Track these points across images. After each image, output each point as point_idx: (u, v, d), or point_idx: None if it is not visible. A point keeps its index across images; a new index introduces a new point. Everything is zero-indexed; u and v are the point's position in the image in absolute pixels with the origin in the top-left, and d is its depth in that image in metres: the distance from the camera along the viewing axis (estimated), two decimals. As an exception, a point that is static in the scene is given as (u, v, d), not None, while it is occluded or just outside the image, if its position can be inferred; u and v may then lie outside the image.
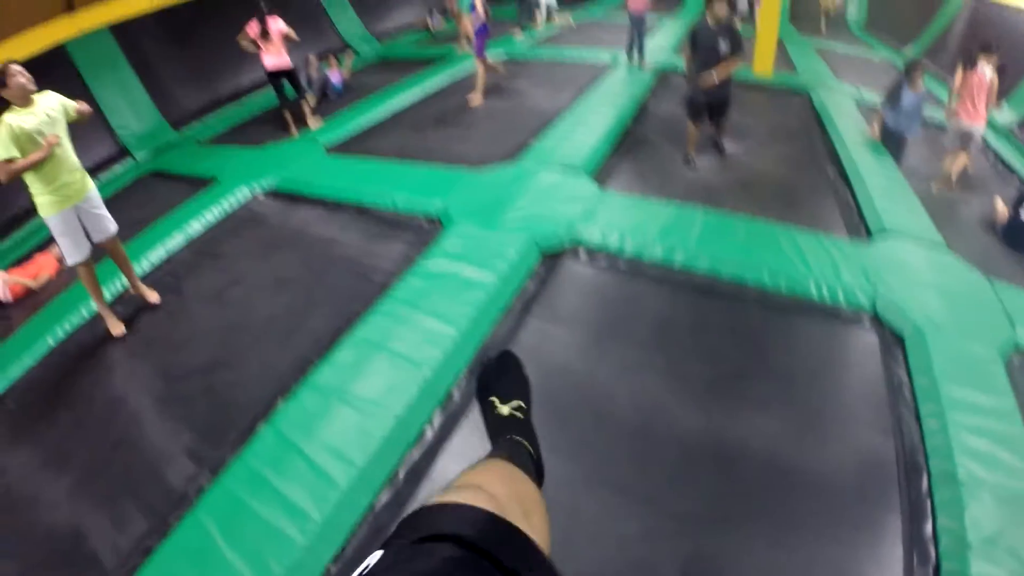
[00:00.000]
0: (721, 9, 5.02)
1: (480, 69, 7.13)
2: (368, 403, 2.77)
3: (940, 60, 9.62)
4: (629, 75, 7.83)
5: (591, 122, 5.84)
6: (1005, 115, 7.64)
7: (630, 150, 5.83)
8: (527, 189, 4.42)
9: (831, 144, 6.12)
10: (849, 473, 2.68)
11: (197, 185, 5.71)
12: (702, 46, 5.16)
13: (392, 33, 11.23)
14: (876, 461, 2.75)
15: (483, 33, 6.93)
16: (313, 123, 6.88)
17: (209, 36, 7.90)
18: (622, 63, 8.38)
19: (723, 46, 5.10)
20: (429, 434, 2.80)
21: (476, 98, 7.11)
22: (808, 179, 5.57)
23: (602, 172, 5.15)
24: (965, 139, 5.66)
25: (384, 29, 11.07)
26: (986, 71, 5.46)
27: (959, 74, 5.75)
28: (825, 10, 12.92)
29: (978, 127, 5.57)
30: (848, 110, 7.04)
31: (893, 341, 3.42)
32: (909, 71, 5.58)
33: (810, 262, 3.88)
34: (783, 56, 9.33)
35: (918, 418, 2.92)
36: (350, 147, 5.93)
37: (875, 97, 7.25)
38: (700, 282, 3.80)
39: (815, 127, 6.67)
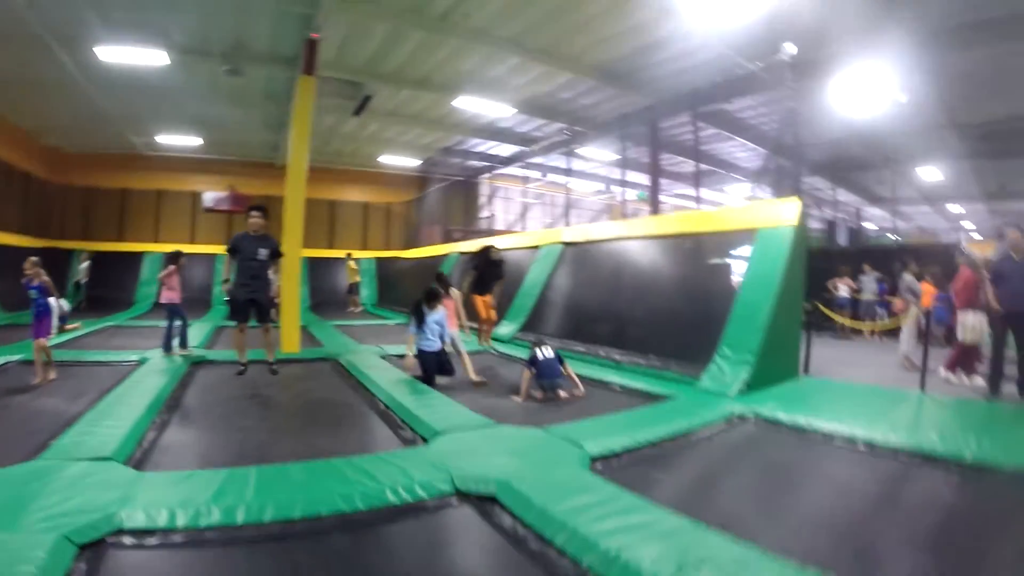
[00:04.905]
0: (256, 221, 6.12)
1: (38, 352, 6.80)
2: None
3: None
4: (164, 365, 7.46)
5: (119, 414, 5.21)
6: (506, 328, 10.32)
7: (169, 431, 5.35)
8: (51, 486, 3.52)
9: (367, 389, 6.80)
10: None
11: None
12: (242, 252, 6.08)
13: None
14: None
15: (45, 316, 6.89)
16: None
17: None
18: (155, 358, 7.91)
19: (262, 253, 6.09)
20: None
21: (50, 373, 6.85)
22: (354, 420, 5.93)
23: (137, 457, 4.51)
24: (454, 341, 7.37)
25: None
26: (452, 293, 7.60)
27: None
28: (351, 296, 17.54)
29: (454, 331, 7.46)
30: (376, 362, 8.11)
31: (486, 503, 3.63)
32: (426, 298, 6.94)
33: (378, 476, 3.84)
34: (311, 338, 10.89)
35: (550, 542, 3.05)
36: None
37: (397, 349, 8.68)
38: (271, 530, 3.27)
39: (350, 381, 7.44)
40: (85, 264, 15.88)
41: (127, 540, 3.07)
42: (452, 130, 16.14)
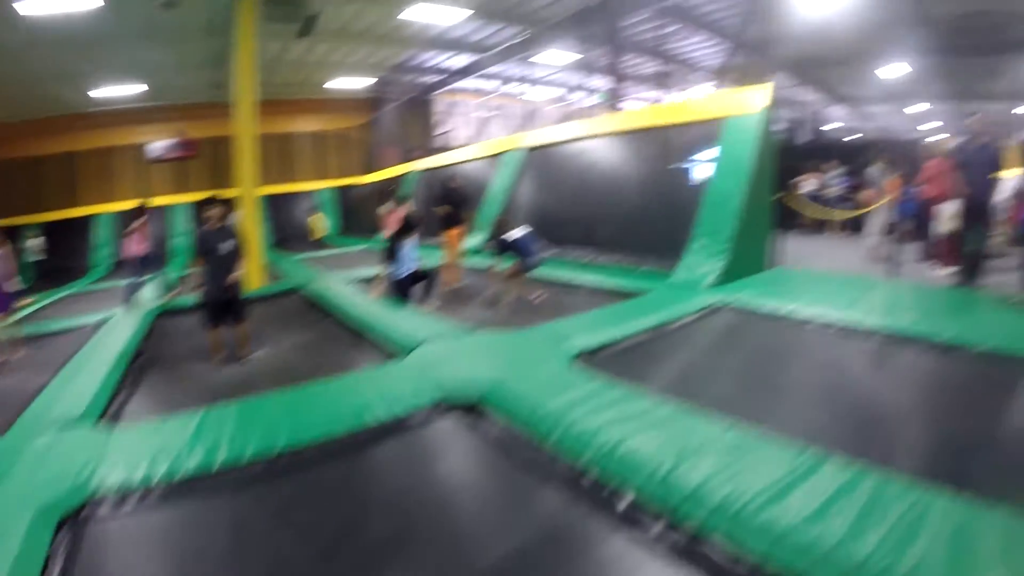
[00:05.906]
0: (215, 214, 5.51)
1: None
2: None
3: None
4: (125, 323, 6.98)
5: (85, 376, 4.84)
6: (476, 240, 9.80)
7: (141, 384, 5.10)
8: (22, 461, 3.18)
9: (338, 312, 6.58)
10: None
11: None
12: (209, 249, 5.48)
13: None
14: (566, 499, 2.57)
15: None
16: None
17: None
18: (116, 318, 7.44)
19: (226, 246, 5.49)
20: None
21: (19, 350, 6.47)
22: (330, 345, 5.77)
23: (110, 414, 4.25)
24: None
25: None
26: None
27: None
28: (313, 231, 17.75)
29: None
30: (343, 288, 7.72)
31: (472, 411, 3.51)
32: (402, 231, 6.46)
33: (359, 396, 3.65)
34: (276, 273, 10.37)
35: (543, 445, 2.96)
36: None
37: (367, 271, 8.46)
38: (254, 471, 3.01)
39: (317, 310, 7.24)
40: (38, 240, 14.75)
41: (107, 505, 2.78)
42: (403, 44, 15.19)
